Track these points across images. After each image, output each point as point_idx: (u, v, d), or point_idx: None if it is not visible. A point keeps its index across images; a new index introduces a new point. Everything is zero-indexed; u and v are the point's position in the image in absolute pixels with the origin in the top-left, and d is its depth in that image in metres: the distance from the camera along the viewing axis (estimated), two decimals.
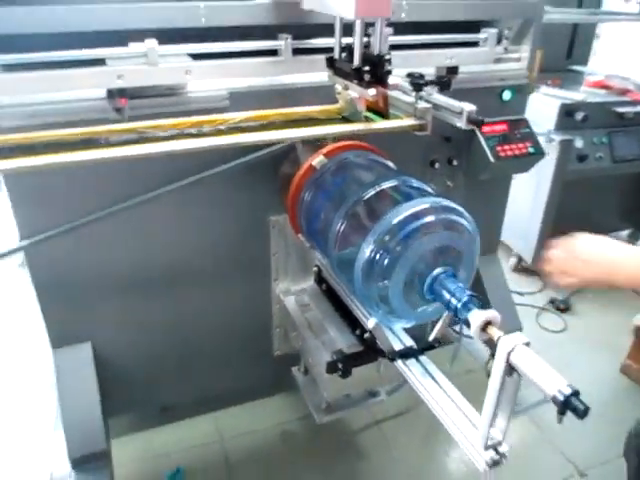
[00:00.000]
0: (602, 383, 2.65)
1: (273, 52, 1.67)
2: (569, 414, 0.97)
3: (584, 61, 3.70)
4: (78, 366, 1.87)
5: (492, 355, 2.71)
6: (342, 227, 1.44)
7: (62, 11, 1.41)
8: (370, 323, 1.43)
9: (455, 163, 2.20)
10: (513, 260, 3.53)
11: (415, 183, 1.47)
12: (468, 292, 1.22)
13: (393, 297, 1.30)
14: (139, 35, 1.48)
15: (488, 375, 1.10)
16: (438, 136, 2.06)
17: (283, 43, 1.62)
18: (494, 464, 1.15)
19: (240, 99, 1.66)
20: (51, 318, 1.82)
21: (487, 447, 1.14)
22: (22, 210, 1.63)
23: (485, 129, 2.11)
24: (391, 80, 1.32)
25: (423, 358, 1.46)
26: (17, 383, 2.55)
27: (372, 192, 1.43)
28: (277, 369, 2.24)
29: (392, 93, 1.50)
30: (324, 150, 1.62)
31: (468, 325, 1.21)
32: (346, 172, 1.62)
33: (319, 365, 1.72)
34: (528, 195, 3.21)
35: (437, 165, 2.18)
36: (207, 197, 1.83)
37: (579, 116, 2.95)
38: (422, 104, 1.46)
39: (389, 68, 1.30)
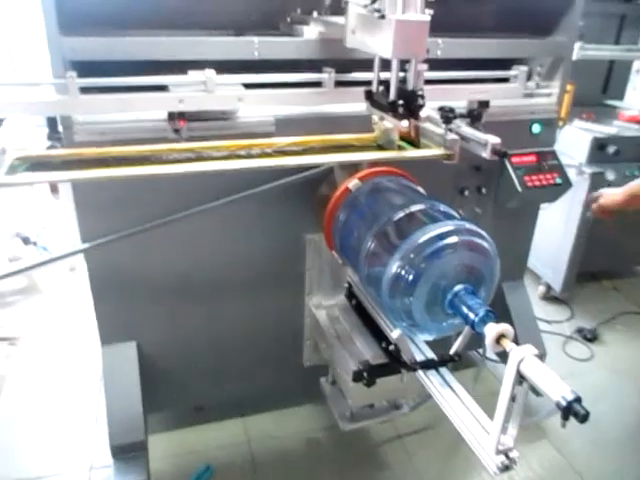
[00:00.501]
0: (628, 413, 2.67)
1: (317, 83, 1.82)
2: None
3: (620, 96, 3.77)
4: (124, 363, 2.04)
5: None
6: (372, 245, 1.58)
7: (135, 42, 1.61)
8: (394, 334, 1.55)
9: (484, 191, 2.31)
10: (542, 288, 3.58)
11: (442, 207, 1.59)
12: (485, 308, 1.33)
13: (416, 311, 1.42)
14: (200, 65, 1.66)
15: (512, 397, 1.21)
16: (468, 165, 2.18)
17: (327, 76, 1.77)
18: (505, 469, 1.25)
19: (285, 125, 1.83)
20: (102, 317, 2.00)
21: (498, 452, 1.24)
22: (85, 215, 1.82)
23: (514, 159, 2.22)
24: (423, 113, 1.46)
25: (443, 370, 1.57)
26: (66, 377, 2.73)
27: (401, 214, 1.55)
28: (306, 379, 2.35)
29: (424, 125, 1.64)
30: (359, 174, 1.76)
31: (480, 335, 1.32)
32: (378, 195, 1.76)
33: (346, 374, 1.84)
34: (559, 225, 3.28)
35: (466, 193, 2.29)
36: (250, 214, 1.99)
37: (611, 149, 3.02)
38: (451, 135, 1.60)
39: (421, 102, 1.44)
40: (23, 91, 1.67)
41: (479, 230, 1.46)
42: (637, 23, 3.57)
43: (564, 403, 1.05)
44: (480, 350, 2.23)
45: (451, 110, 1.58)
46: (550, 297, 3.56)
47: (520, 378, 1.16)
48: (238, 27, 1.93)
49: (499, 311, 1.33)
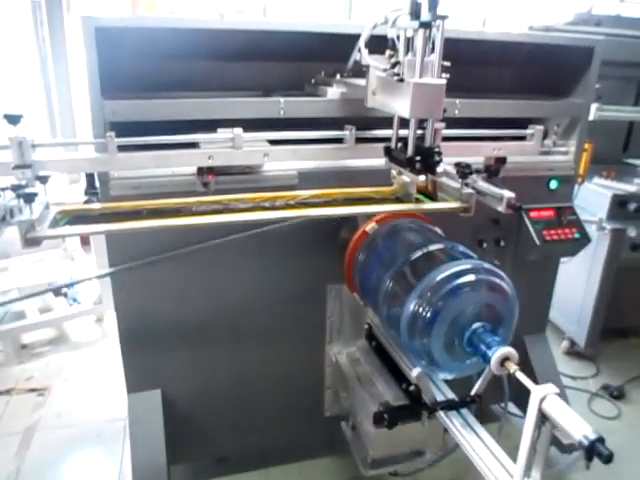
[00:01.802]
0: None
1: (339, 140, 1.92)
2: None
3: None
4: (149, 411, 2.08)
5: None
6: (390, 285, 1.62)
7: (168, 104, 1.73)
8: (414, 372, 1.57)
9: (502, 244, 2.35)
10: (566, 343, 3.54)
11: (460, 248, 1.64)
12: (497, 340, 1.35)
13: (435, 349, 1.44)
14: (229, 123, 1.77)
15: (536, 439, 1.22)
16: (487, 218, 2.24)
17: (348, 133, 1.87)
18: None
19: (308, 179, 1.92)
20: (129, 364, 2.06)
21: None
22: (116, 264, 1.91)
23: (532, 214, 2.27)
24: (439, 168, 1.53)
25: (464, 411, 1.59)
26: (93, 428, 2.75)
27: (418, 253, 1.61)
28: (327, 430, 2.35)
29: (441, 179, 1.72)
30: (376, 218, 1.84)
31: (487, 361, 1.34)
32: (395, 236, 1.82)
33: (366, 417, 1.85)
34: (581, 280, 3.27)
35: (485, 245, 2.33)
36: (274, 264, 2.06)
37: (632, 207, 3.05)
38: (466, 190, 1.66)
39: (438, 159, 1.51)
40: (62, 151, 1.81)
41: (497, 270, 1.49)
42: None
43: (586, 442, 1.06)
44: (502, 404, 2.21)
45: (467, 166, 1.65)
46: (574, 352, 3.51)
47: (542, 418, 1.18)
48: (266, 88, 2.06)
49: (520, 364, 1.34)
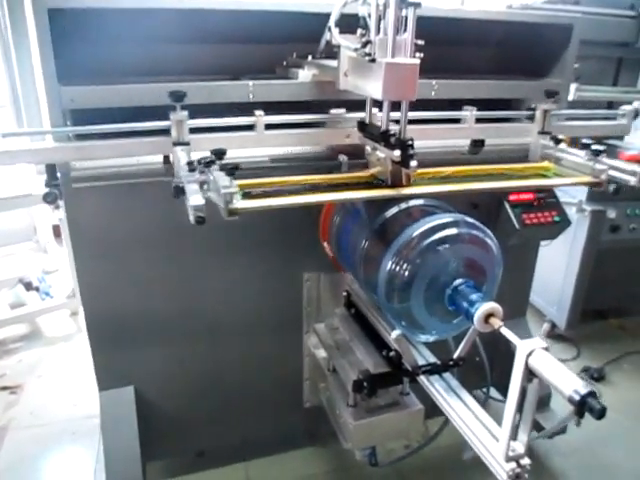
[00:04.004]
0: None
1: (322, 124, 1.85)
2: None
3: (620, 136, 3.79)
4: (121, 408, 2.01)
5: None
6: (366, 245, 1.56)
7: (130, 90, 1.65)
8: (394, 334, 1.51)
9: None
10: (546, 326, 3.53)
11: (440, 204, 1.59)
12: (480, 295, 1.30)
13: (415, 309, 1.39)
14: (197, 108, 1.69)
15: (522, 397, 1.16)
16: (465, 203, 2.18)
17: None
18: (516, 477, 1.20)
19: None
20: (99, 361, 1.98)
21: (509, 459, 1.20)
22: (82, 258, 1.83)
23: (511, 197, 2.23)
24: (413, 163, 1.44)
25: (447, 376, 1.54)
26: (66, 426, 2.68)
27: (395, 210, 1.54)
28: (307, 420, 2.33)
29: (565, 155, 1.88)
30: None
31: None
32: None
33: (344, 406, 1.82)
34: (561, 262, 3.26)
35: None
36: (246, 253, 1.99)
37: (611, 187, 3.02)
38: (599, 165, 1.78)
39: (412, 152, 1.45)
40: (27, 141, 1.71)
41: (479, 224, 1.44)
42: (634, 66, 3.63)
43: (577, 397, 1.01)
44: (484, 389, 2.18)
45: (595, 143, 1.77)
46: (555, 335, 3.51)
47: (529, 375, 1.12)
48: (235, 72, 1.98)
49: (502, 349, 1.31)
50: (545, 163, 1.92)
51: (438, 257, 1.35)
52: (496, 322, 1.23)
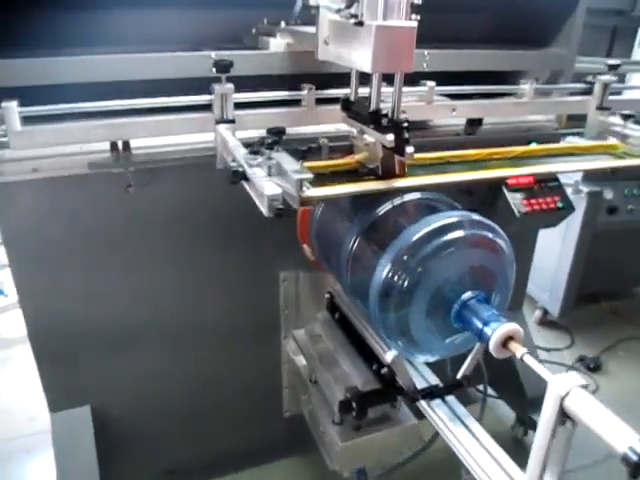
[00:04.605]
0: None
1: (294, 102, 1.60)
2: None
3: None
4: (76, 431, 1.77)
5: (519, 420, 2.51)
6: (356, 245, 1.32)
7: (63, 63, 1.37)
8: (389, 356, 1.29)
9: None
10: (538, 313, 3.37)
11: (440, 196, 1.36)
12: (503, 319, 1.07)
13: (415, 326, 1.16)
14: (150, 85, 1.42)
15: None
16: (456, 190, 1.96)
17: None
18: None
19: None
20: (48, 380, 1.73)
21: None
22: (20, 263, 1.56)
23: (510, 181, 2.00)
24: (409, 149, 1.21)
25: (450, 399, 1.32)
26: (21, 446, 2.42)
27: (388, 206, 1.30)
28: (288, 430, 2.11)
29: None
30: None
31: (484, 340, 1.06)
32: None
33: (329, 423, 1.58)
34: (555, 246, 3.07)
35: None
36: (214, 252, 1.75)
37: None
38: None
39: (407, 136, 1.20)
40: None
41: (488, 222, 1.21)
42: (628, 36, 3.43)
43: (635, 458, 0.78)
44: (481, 386, 1.98)
45: None
46: (547, 322, 3.35)
47: (563, 417, 0.90)
48: (197, 42, 1.70)
49: None
50: (612, 141, 1.74)
51: (444, 265, 1.12)
52: (517, 348, 1.00)
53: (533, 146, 1.66)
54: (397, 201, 1.30)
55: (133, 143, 1.48)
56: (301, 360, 1.88)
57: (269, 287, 1.88)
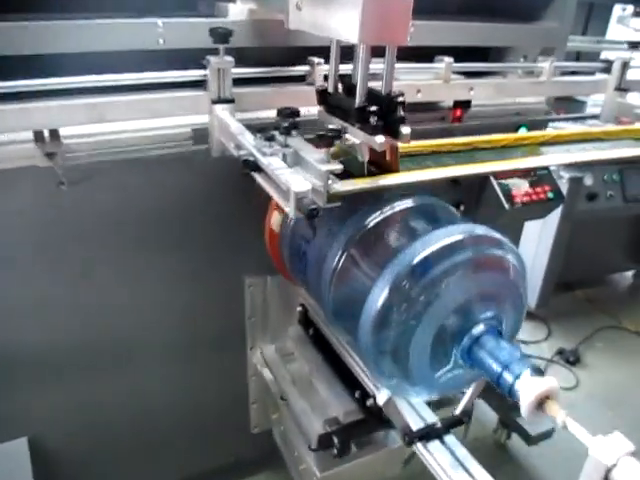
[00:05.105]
0: None
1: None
2: None
3: None
4: (11, 468, 1.50)
5: (502, 423, 2.34)
6: (341, 263, 1.09)
7: None
8: (381, 398, 1.10)
9: (462, 208, 1.90)
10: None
11: (435, 202, 1.19)
12: (518, 354, 0.90)
13: (415, 362, 0.96)
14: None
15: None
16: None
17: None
18: None
19: None
20: None
21: None
22: None
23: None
24: (405, 129, 0.99)
25: (450, 439, 1.12)
26: None
27: (379, 217, 1.09)
28: (257, 447, 1.90)
29: None
30: None
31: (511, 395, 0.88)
32: None
33: (306, 451, 1.38)
34: (533, 235, 2.93)
35: None
36: (168, 255, 1.50)
37: None
38: None
39: (401, 114, 0.98)
40: None
41: (496, 234, 1.02)
42: (604, 13, 3.29)
43: None
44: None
45: None
46: None
47: None
48: (142, 8, 1.43)
49: None
50: (637, 125, 1.59)
51: (451, 293, 0.93)
52: (556, 411, 0.79)
53: (550, 132, 1.47)
54: (388, 210, 1.09)
55: (64, 131, 1.21)
56: (269, 373, 1.68)
57: (233, 294, 1.65)
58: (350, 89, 1.05)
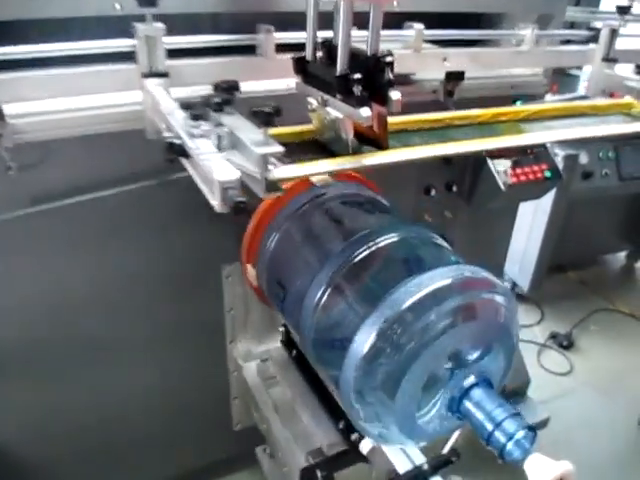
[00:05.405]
0: (619, 437, 2.25)
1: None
2: None
3: None
4: None
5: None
6: (325, 297, 1.01)
7: None
8: (365, 447, 1.02)
9: (455, 189, 1.79)
10: (506, 286, 3.14)
11: (423, 233, 1.09)
12: (511, 411, 0.83)
13: (401, 412, 0.88)
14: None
15: None
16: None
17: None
18: None
19: None
20: None
21: None
22: None
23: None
24: (394, 95, 0.86)
25: None
26: None
27: (365, 251, 1.01)
28: (239, 444, 1.80)
29: None
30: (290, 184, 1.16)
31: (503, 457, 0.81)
32: (329, 212, 1.18)
33: (291, 465, 1.28)
34: (527, 216, 2.82)
35: (433, 192, 1.77)
36: (136, 243, 1.38)
37: None
38: None
39: (389, 77, 0.86)
40: None
41: (488, 276, 0.96)
42: None
43: None
44: None
45: None
46: (515, 295, 3.14)
47: None
48: None
49: None
50: (628, 99, 1.46)
51: (441, 342, 0.85)
52: None
53: (545, 105, 1.37)
54: (373, 245, 1.01)
55: (9, 109, 1.08)
56: (252, 370, 1.57)
57: (210, 284, 1.53)
58: (331, 54, 0.92)
